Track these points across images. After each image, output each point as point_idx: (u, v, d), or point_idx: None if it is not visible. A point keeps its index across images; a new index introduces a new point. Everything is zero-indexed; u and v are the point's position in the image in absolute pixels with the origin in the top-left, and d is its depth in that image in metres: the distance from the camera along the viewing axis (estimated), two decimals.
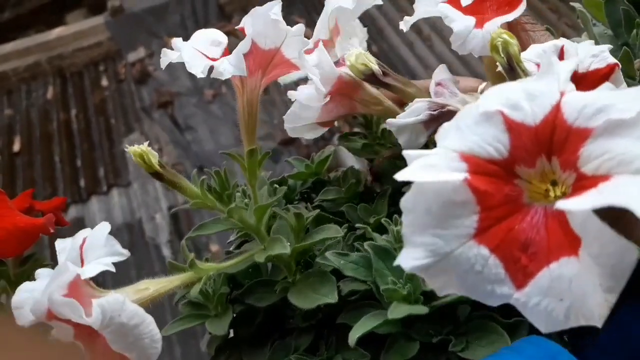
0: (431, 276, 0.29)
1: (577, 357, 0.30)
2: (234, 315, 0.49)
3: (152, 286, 0.39)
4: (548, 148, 0.29)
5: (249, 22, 0.43)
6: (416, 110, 0.46)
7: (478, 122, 0.31)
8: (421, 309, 0.37)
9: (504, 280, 0.28)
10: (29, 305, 0.35)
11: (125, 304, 0.34)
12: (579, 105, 0.29)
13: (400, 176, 0.30)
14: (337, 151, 0.60)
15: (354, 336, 0.37)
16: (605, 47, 0.43)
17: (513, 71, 0.39)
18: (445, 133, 0.32)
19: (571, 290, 0.27)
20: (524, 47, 0.42)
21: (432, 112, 0.46)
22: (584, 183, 0.27)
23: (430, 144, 0.50)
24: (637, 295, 0.25)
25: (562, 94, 0.30)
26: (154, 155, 0.40)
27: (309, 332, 0.46)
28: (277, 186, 0.52)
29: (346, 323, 0.44)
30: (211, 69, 0.43)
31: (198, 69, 0.42)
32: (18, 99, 2.54)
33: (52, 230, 0.54)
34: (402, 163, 0.30)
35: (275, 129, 2.03)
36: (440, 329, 0.39)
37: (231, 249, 0.53)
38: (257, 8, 0.43)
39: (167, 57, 0.45)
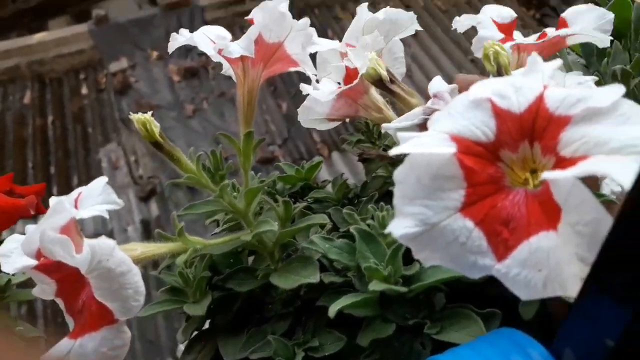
0: (418, 245, 0.31)
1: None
2: (212, 303, 0.49)
3: (140, 248, 0.40)
4: (531, 134, 0.32)
5: (257, 14, 0.45)
6: (412, 115, 0.49)
7: (468, 108, 0.33)
8: (400, 289, 0.38)
9: (486, 252, 0.30)
10: (15, 255, 0.35)
11: (114, 249, 0.34)
12: (560, 96, 0.31)
13: (394, 151, 0.32)
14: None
15: (333, 309, 0.38)
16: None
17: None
18: (437, 119, 0.34)
19: (549, 262, 0.29)
20: None
21: (427, 117, 0.48)
22: (563, 165, 0.30)
23: None
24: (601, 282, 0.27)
25: (545, 87, 0.32)
26: (156, 125, 0.42)
27: (286, 318, 0.47)
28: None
29: (323, 310, 0.45)
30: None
31: (209, 49, 0.44)
32: None
33: (32, 212, 0.54)
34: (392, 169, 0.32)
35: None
36: (416, 313, 0.40)
37: None
38: (267, 2, 0.45)
39: (177, 40, 0.47)
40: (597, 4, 0.57)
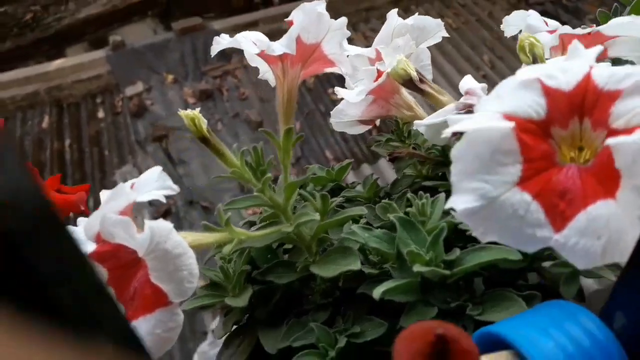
0: (477, 220, 0.31)
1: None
2: (251, 297, 0.50)
3: (189, 237, 0.40)
4: (580, 110, 0.33)
5: (297, 15, 0.47)
6: (446, 111, 0.50)
7: (517, 89, 0.34)
8: (443, 271, 0.39)
9: (543, 224, 0.31)
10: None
11: (172, 232, 0.35)
12: (608, 73, 0.32)
13: (450, 129, 0.33)
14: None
15: (378, 291, 0.38)
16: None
17: None
18: (485, 102, 0.35)
19: (608, 228, 0.29)
20: None
21: (460, 112, 0.49)
22: (616, 136, 0.30)
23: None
24: None
25: (591, 67, 0.33)
26: (204, 121, 0.43)
27: (325, 309, 0.47)
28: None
29: (362, 299, 0.45)
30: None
31: (252, 49, 0.45)
32: (13, 127, 2.55)
33: (82, 208, 0.55)
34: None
35: None
36: (457, 297, 0.41)
37: None
38: (306, 3, 0.47)
39: (220, 43, 0.48)
40: (619, 3, 0.58)
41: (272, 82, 0.54)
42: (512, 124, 0.31)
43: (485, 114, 0.33)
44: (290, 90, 0.49)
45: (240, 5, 3.30)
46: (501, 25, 0.61)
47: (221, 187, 2.10)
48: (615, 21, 0.54)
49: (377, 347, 0.43)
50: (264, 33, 0.49)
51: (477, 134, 0.31)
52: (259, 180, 0.46)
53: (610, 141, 0.29)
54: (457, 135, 0.53)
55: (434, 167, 0.58)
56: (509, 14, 0.60)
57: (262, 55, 0.48)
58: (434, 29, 0.64)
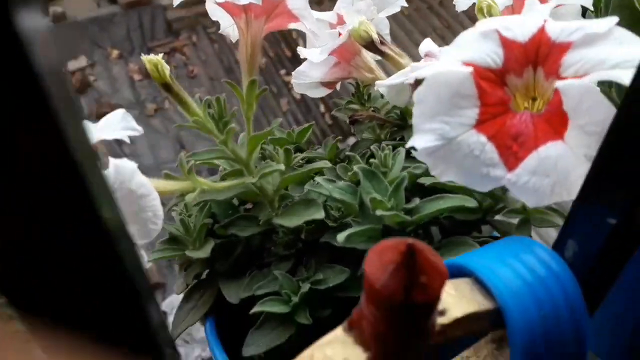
0: (436, 160, 0.33)
1: None
2: (211, 251, 0.50)
3: (152, 183, 0.40)
4: (534, 60, 0.35)
5: None
6: (406, 73, 0.51)
7: (477, 39, 0.36)
8: (404, 217, 0.41)
9: (497, 164, 0.33)
10: None
11: (136, 172, 0.35)
12: (560, 26, 0.35)
13: (413, 75, 0.34)
14: None
15: (342, 236, 0.40)
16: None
17: None
18: (445, 51, 0.37)
19: (556, 168, 0.32)
20: None
21: (418, 75, 0.51)
22: None
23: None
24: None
25: (545, 21, 0.36)
26: (166, 67, 0.42)
27: (288, 260, 0.48)
28: None
29: (324, 249, 0.47)
30: None
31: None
32: None
33: None
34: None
35: None
36: None
37: None
38: None
39: None
40: None
41: (233, 37, 0.54)
42: (470, 69, 0.33)
43: (447, 61, 0.35)
44: (254, 43, 0.49)
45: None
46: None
47: (168, 167, 2.06)
48: None
49: (339, 293, 0.44)
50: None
51: (437, 77, 0.33)
52: (221, 132, 0.46)
53: (559, 84, 0.31)
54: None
55: (392, 131, 0.60)
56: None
57: (225, 6, 0.47)
58: None
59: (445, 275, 0.23)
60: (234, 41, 0.54)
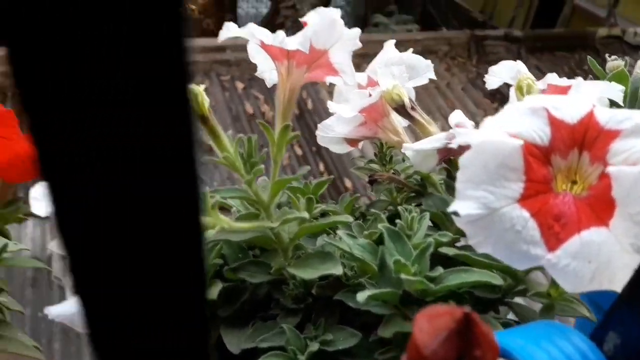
0: (476, 229, 0.32)
1: None
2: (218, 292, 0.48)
3: None
4: (581, 143, 0.35)
5: (312, 18, 0.48)
6: (436, 139, 0.51)
7: (524, 115, 0.36)
8: (429, 284, 0.39)
9: (538, 243, 0.32)
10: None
11: None
12: (609, 114, 0.35)
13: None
14: None
15: (363, 296, 0.38)
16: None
17: None
18: (490, 123, 0.37)
19: (599, 255, 0.31)
20: None
21: (449, 142, 0.51)
22: None
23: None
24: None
25: (594, 106, 0.36)
26: (206, 99, 0.42)
27: (296, 314, 0.46)
28: None
29: (335, 307, 0.45)
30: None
31: (264, 37, 0.46)
32: None
33: None
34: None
35: None
36: None
37: None
38: (322, 8, 0.48)
39: (230, 30, 0.48)
40: (596, 77, 0.63)
41: (269, 82, 0.54)
42: (520, 142, 0.33)
43: (493, 130, 0.35)
44: (292, 90, 0.49)
45: (211, 29, 3.31)
46: (485, 77, 0.65)
47: None
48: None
49: (347, 358, 0.42)
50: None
51: (486, 145, 0.33)
52: (248, 172, 0.45)
53: (612, 169, 0.31)
54: (443, 162, 0.55)
55: (409, 197, 0.59)
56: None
57: (270, 49, 0.48)
58: (424, 69, 0.67)
59: (497, 353, 0.22)
60: (269, 86, 0.54)
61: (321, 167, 2.23)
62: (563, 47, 2.92)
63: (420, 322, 0.22)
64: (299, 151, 2.40)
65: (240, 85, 2.83)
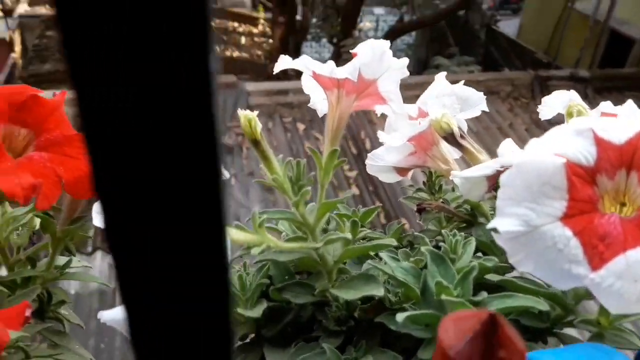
0: (517, 246, 0.32)
1: None
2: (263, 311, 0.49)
3: None
4: (629, 164, 0.34)
5: (362, 49, 0.50)
6: (486, 167, 0.51)
7: (570, 136, 0.36)
8: (470, 307, 0.38)
9: (581, 262, 0.31)
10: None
11: None
12: None
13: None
14: None
15: (401, 316, 0.38)
16: None
17: None
18: (535, 143, 0.37)
19: None
20: None
21: (500, 170, 0.51)
22: None
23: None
24: None
25: None
26: (259, 124, 0.44)
27: (338, 336, 0.46)
28: None
29: (376, 331, 0.45)
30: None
31: (316, 68, 0.48)
32: None
33: None
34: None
35: None
36: None
37: None
38: (373, 40, 0.50)
39: (284, 62, 0.50)
40: None
41: (320, 111, 0.56)
42: (563, 160, 0.33)
43: (537, 150, 0.35)
44: (341, 118, 0.51)
45: (276, 75, 3.45)
46: (538, 108, 0.64)
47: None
48: None
49: None
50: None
51: (528, 164, 0.33)
52: (295, 194, 0.47)
53: None
54: (493, 190, 0.55)
55: (459, 226, 0.59)
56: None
57: (321, 79, 0.50)
58: (476, 101, 0.67)
59: (524, 355, 0.22)
60: (320, 115, 0.56)
61: (376, 202, 2.23)
62: (633, 87, 2.82)
63: (446, 324, 0.22)
64: (356, 191, 2.41)
65: (301, 127, 2.91)
